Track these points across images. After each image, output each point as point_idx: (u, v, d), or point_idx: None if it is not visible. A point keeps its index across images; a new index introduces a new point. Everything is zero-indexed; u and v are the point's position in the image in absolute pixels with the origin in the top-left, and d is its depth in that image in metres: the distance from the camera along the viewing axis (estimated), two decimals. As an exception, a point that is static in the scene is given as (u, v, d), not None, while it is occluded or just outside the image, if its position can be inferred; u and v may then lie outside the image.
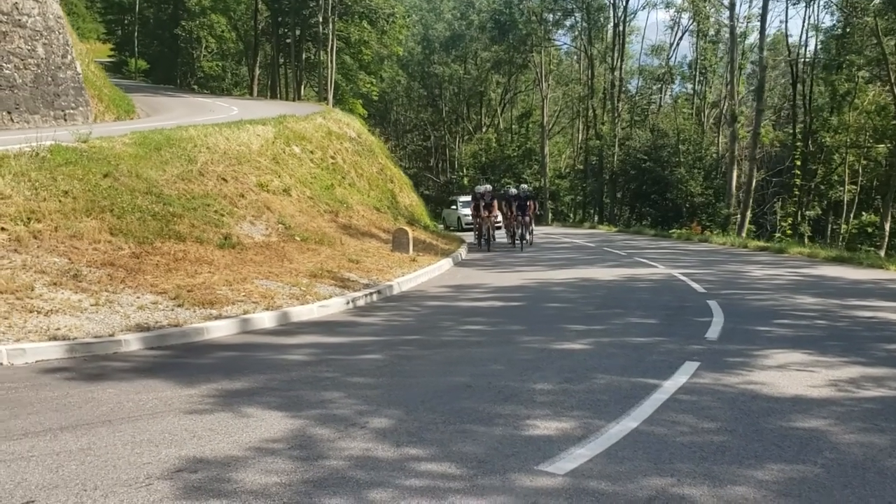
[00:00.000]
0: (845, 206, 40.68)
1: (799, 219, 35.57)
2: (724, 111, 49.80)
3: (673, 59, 55.89)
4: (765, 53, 38.13)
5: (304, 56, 57.00)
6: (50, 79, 28.69)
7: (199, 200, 16.75)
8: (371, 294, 13.66)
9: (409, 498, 4.69)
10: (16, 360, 7.89)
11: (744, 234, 34.13)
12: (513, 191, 27.83)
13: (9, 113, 26.87)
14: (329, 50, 49.91)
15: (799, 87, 42.47)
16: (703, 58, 51.53)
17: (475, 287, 15.59)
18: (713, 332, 10.11)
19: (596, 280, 16.49)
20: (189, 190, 17.16)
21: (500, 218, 27.85)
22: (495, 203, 25.88)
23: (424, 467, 5.21)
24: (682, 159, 42.83)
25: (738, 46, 41.74)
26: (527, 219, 25.83)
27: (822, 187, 41.76)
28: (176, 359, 8.55)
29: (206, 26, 65.38)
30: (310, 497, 4.68)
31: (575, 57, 64.38)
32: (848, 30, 36.82)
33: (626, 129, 51.18)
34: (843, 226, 39.50)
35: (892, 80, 33.47)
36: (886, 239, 33.03)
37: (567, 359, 8.58)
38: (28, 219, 12.20)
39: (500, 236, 28.57)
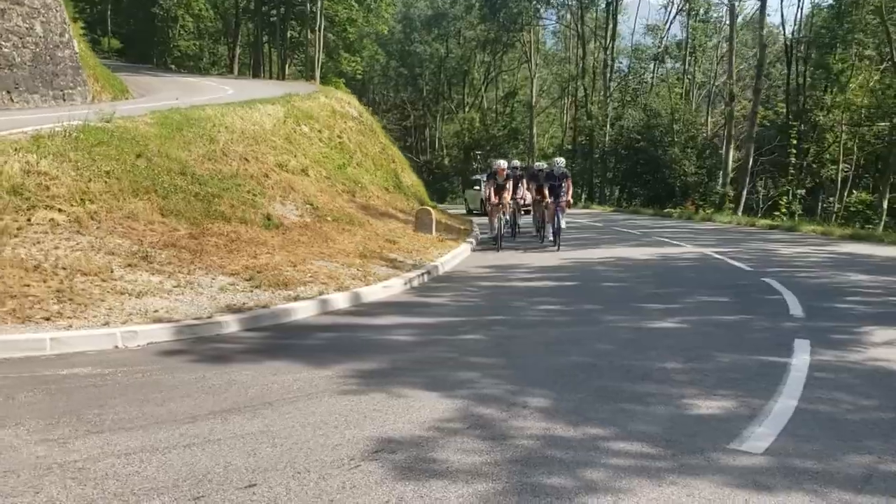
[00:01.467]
0: (839, 185, 41.16)
1: (791, 197, 35.97)
2: (711, 90, 50.20)
3: (666, 38, 55.96)
4: (764, 32, 38.32)
5: (288, 35, 56.33)
6: (48, 57, 28.15)
7: (231, 181, 16.55)
8: (422, 275, 13.58)
9: (628, 477, 4.66)
10: (129, 342, 7.75)
11: (740, 213, 34.52)
12: (542, 166, 21.82)
13: (8, 93, 26.33)
14: (317, 29, 49.42)
15: (787, 66, 42.70)
16: (692, 38, 51.73)
17: (515, 267, 15.55)
18: (796, 310, 10.15)
19: (633, 259, 16.55)
20: (218, 170, 16.94)
21: (528, 199, 21.79)
22: (510, 185, 19.25)
23: (618, 447, 5.18)
24: (675, 139, 43.06)
25: (736, 25, 41.90)
26: (561, 207, 19.13)
27: (815, 166, 42.20)
28: (282, 340, 8.44)
29: (184, 4, 64.35)
30: (527, 476, 4.64)
31: (564, 36, 64.28)
32: (851, 9, 36.98)
33: (617, 109, 51.31)
34: (837, 204, 39.96)
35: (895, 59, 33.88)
36: (884, 216, 33.54)
37: (670, 338, 8.59)
38: (81, 200, 11.97)
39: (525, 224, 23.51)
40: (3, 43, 26.11)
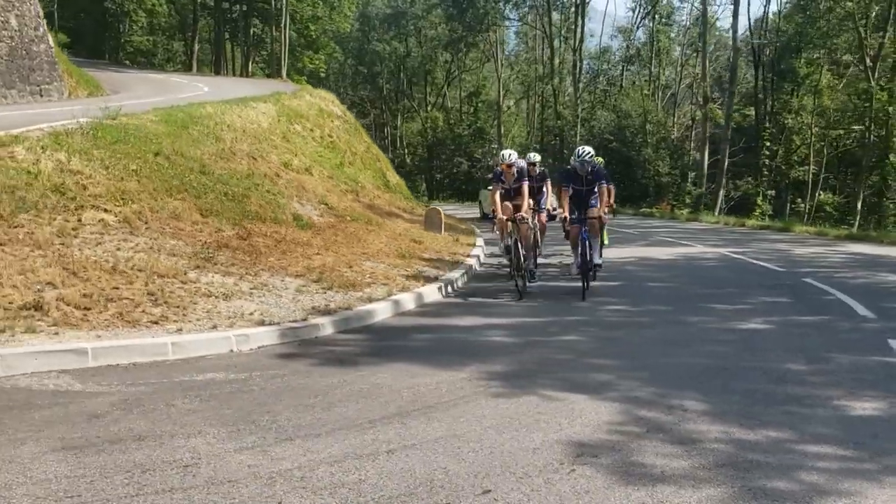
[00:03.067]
0: (810, 186, 42.04)
1: (762, 198, 36.76)
2: (677, 92, 50.91)
3: (635, 40, 56.68)
4: (739, 34, 39.09)
5: (251, 31, 55.64)
6: (24, 52, 27.35)
7: (249, 180, 16.26)
8: (463, 275, 13.45)
9: (847, 479, 4.57)
10: (242, 346, 7.49)
11: (716, 212, 35.12)
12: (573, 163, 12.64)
13: (-14, 87, 25.58)
14: (283, 26, 48.94)
15: (756, 69, 43.57)
16: (657, 41, 52.42)
17: (547, 266, 15.47)
18: (863, 311, 10.23)
19: (657, 259, 16.63)
20: (233, 169, 16.64)
21: (553, 203, 15.14)
22: (525, 188, 12.28)
23: (811, 449, 5.08)
24: (648, 139, 43.60)
25: (708, 29, 42.57)
26: (600, 218, 12.20)
27: (783, 167, 43.11)
28: (384, 342, 8.22)
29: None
30: (748, 480, 4.53)
31: (526, 36, 64.58)
32: (818, 15, 37.88)
33: (587, 109, 51.73)
34: (808, 204, 40.81)
35: (868, 64, 34.83)
36: (858, 217, 34.43)
37: (770, 339, 8.59)
38: (122, 199, 11.62)
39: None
40: (-21, 36, 25.37)
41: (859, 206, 35.27)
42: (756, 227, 26.45)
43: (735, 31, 38.79)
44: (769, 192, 40.24)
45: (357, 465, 4.69)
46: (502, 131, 59.47)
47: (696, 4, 48.62)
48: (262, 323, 8.11)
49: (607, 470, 4.71)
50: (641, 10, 55.01)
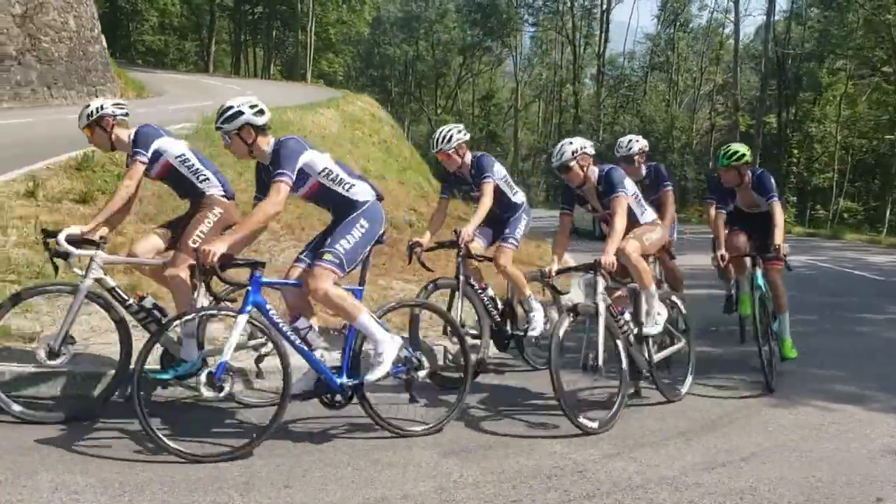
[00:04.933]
0: (834, 193, 42.78)
1: (787, 204, 37.40)
2: (696, 98, 51.52)
3: (661, 46, 57.23)
4: (770, 45, 39.61)
5: (273, 34, 55.91)
6: (81, 53, 27.59)
7: (352, 187, 16.58)
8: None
9: None
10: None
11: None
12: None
13: (48, 88, 25.87)
14: (308, 30, 49.27)
15: (779, 78, 44.23)
16: (677, 47, 53.01)
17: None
18: None
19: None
20: (331, 175, 16.95)
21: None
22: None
23: None
24: (673, 145, 44.18)
25: (716, 37, 43.14)
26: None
27: (805, 174, 43.82)
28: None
29: (150, -1, 62.75)
30: None
31: (541, 41, 65.04)
32: (851, 25, 38.46)
33: (610, 114, 52.26)
34: (830, 211, 41.51)
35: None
36: (887, 225, 35.10)
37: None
38: (270, 205, 11.94)
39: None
40: (41, 37, 25.54)
41: (888, 213, 36.02)
42: (803, 235, 26.94)
43: (766, 43, 39.35)
44: (792, 198, 40.90)
45: (729, 473, 4.96)
46: (522, 135, 59.83)
47: (717, 13, 49.23)
48: (487, 331, 8.48)
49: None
50: (665, 18, 55.63)
